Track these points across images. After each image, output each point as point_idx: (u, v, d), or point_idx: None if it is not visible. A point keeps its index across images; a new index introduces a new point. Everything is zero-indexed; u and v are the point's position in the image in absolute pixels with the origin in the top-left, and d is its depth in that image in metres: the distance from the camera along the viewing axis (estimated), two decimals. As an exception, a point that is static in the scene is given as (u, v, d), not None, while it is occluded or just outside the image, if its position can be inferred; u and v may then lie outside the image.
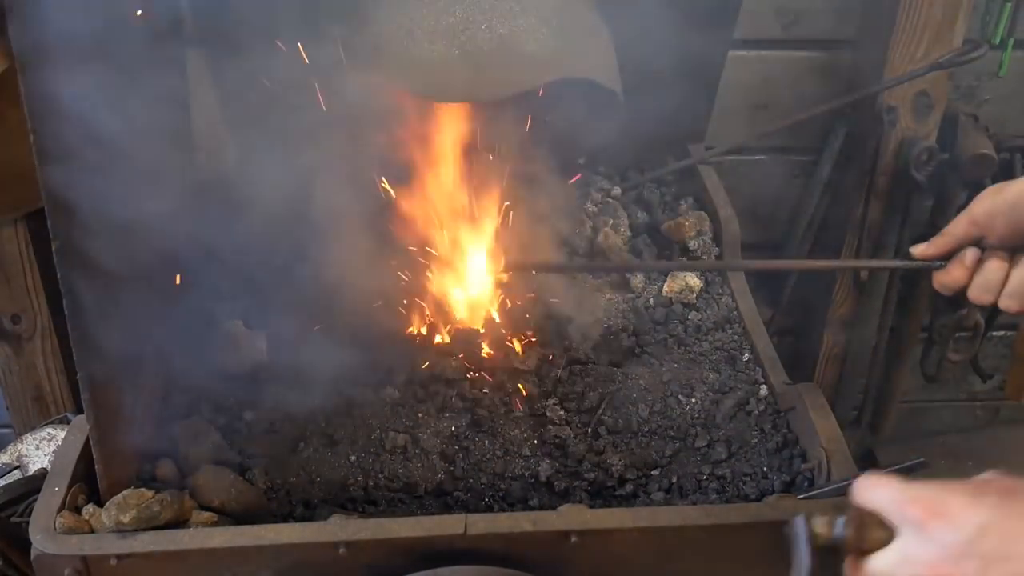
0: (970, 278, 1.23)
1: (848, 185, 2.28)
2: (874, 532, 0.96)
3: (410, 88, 1.59)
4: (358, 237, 1.65)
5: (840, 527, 0.99)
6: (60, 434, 1.93)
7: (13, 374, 2.16)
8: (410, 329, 1.67)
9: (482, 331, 1.65)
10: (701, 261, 1.80)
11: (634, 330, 1.67)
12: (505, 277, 1.68)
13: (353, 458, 1.46)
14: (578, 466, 1.46)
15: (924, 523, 0.91)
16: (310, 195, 1.65)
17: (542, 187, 1.84)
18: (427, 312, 1.69)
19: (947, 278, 1.25)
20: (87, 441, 1.25)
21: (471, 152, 1.78)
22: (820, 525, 1.01)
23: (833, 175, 2.29)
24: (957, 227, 1.24)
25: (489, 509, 1.41)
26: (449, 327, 1.68)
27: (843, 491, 1.29)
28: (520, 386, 1.56)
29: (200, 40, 1.69)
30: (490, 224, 1.73)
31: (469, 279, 1.72)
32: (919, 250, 1.29)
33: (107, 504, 1.23)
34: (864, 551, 0.97)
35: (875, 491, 0.97)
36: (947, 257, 1.26)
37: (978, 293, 1.22)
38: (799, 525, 1.02)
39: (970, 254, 1.23)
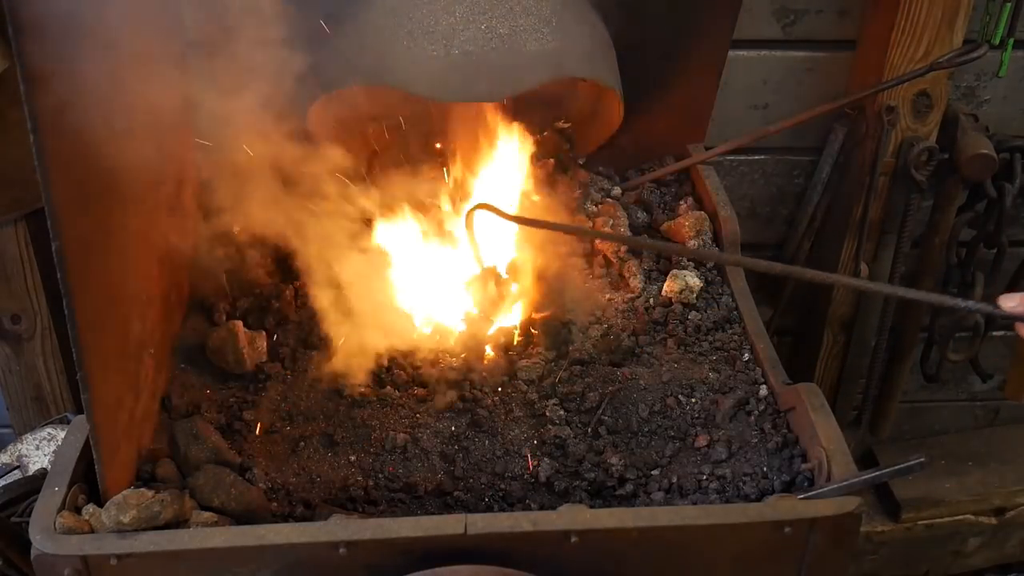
0: None
1: (848, 185, 2.28)
2: None
3: (410, 88, 1.59)
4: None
5: None
6: (60, 434, 1.93)
7: (13, 374, 2.16)
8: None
9: (488, 333, 1.65)
10: (703, 251, 1.77)
11: (634, 330, 1.67)
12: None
13: (353, 458, 1.46)
14: (578, 466, 1.46)
15: None
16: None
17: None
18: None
19: None
20: (87, 441, 1.25)
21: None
22: None
23: (833, 175, 2.29)
24: None
25: (489, 509, 1.41)
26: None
27: (843, 492, 1.29)
28: (520, 387, 1.56)
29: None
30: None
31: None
32: (1009, 305, 1.23)
33: (107, 504, 1.23)
34: None
35: None
36: None
37: None
38: None
39: None
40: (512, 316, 1.70)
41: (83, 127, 1.16)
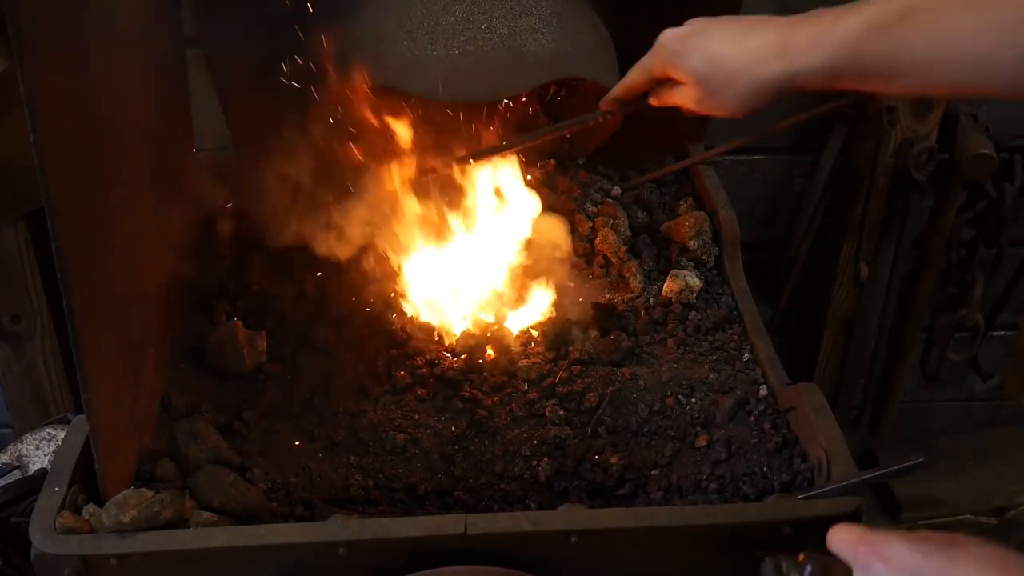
0: None
1: (848, 185, 2.28)
2: None
3: (410, 88, 1.60)
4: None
5: (808, 572, 1.05)
6: (60, 434, 1.92)
7: (13, 374, 2.16)
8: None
9: (488, 334, 1.65)
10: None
11: (634, 330, 1.67)
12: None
13: (353, 458, 1.46)
14: (578, 466, 1.46)
15: (868, 565, 0.98)
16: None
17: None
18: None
19: None
20: (87, 441, 1.25)
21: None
22: (789, 570, 1.07)
23: (833, 175, 2.29)
24: None
25: (489, 509, 1.41)
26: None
27: (843, 492, 1.29)
28: (520, 387, 1.56)
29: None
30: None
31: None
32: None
33: (107, 504, 1.23)
34: None
35: (836, 536, 1.03)
36: None
37: None
38: (768, 570, 1.08)
39: None
40: (515, 318, 1.71)
41: (83, 127, 1.16)
